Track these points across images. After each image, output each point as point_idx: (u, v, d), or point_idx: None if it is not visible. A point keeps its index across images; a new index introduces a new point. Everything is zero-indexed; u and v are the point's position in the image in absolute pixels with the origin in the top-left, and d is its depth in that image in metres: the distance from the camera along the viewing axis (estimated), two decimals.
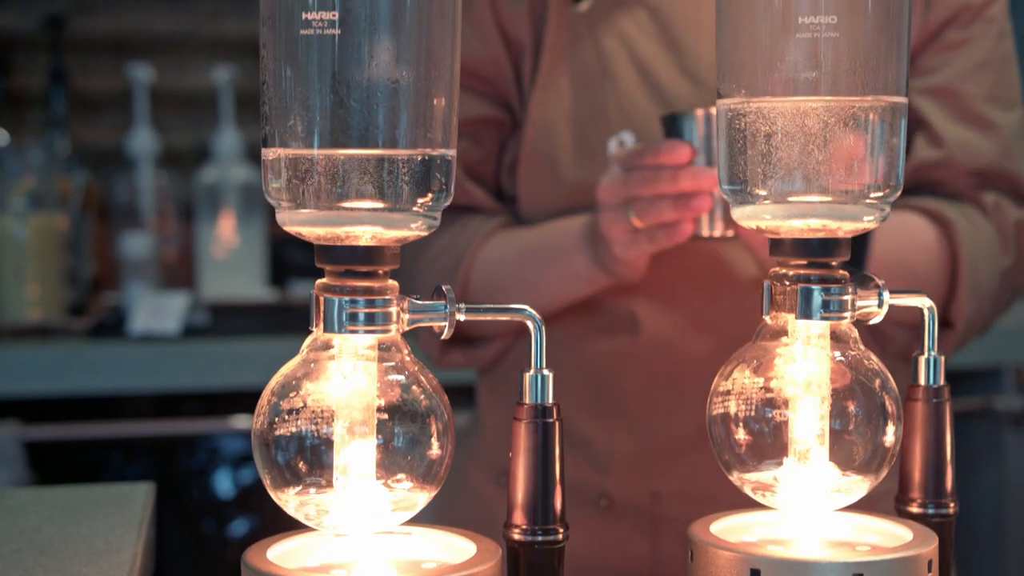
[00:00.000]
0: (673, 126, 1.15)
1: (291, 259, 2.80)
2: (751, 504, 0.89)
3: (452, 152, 0.81)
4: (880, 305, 0.86)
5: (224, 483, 2.48)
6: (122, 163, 2.76)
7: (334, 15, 0.77)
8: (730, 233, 1.15)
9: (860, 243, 1.13)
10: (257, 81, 0.81)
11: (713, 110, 1.09)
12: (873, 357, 0.87)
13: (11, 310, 2.35)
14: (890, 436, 0.86)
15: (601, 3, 1.31)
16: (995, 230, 1.27)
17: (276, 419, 0.82)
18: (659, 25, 1.30)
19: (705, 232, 1.15)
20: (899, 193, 0.84)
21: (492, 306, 0.85)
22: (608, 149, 1.27)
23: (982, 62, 1.29)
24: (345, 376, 0.81)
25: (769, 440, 0.87)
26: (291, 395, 0.82)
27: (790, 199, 0.82)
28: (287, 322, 2.49)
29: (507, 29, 1.34)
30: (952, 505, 0.90)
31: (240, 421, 2.34)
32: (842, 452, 0.86)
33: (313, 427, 0.82)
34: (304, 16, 0.77)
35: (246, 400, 2.32)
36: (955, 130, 1.27)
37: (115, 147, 2.80)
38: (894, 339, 1.26)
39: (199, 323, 2.42)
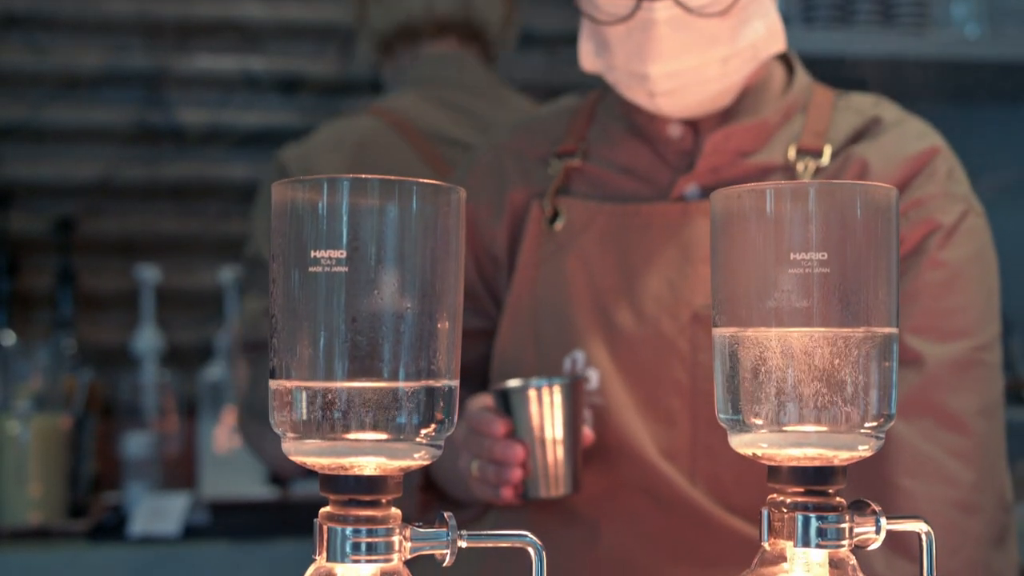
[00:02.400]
0: (502, 400, 1.25)
1: None
2: None
3: (455, 383, 0.83)
4: (877, 532, 0.86)
5: None
6: (126, 361, 2.78)
7: (342, 253, 0.79)
8: (560, 491, 1.24)
9: None
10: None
11: (546, 389, 1.23)
12: None
13: (12, 512, 2.34)
14: None
15: (571, 224, 1.36)
16: None
17: None
18: (619, 253, 1.33)
19: (532, 494, 1.24)
20: (893, 421, 0.85)
21: (493, 532, 0.86)
22: (563, 367, 1.31)
23: (911, 293, 1.25)
24: None
25: None
26: None
27: (786, 428, 0.84)
28: (288, 521, 2.48)
29: (487, 245, 1.39)
30: None
31: None
32: None
33: None
34: (313, 254, 0.80)
35: None
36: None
37: (120, 346, 2.83)
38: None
39: (199, 522, 2.42)
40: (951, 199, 1.29)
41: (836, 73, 1.72)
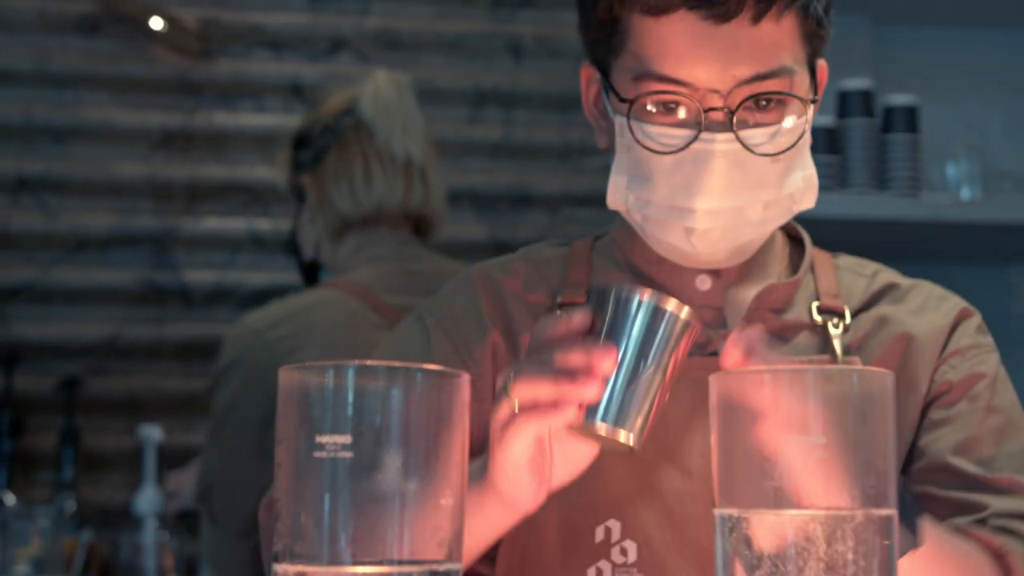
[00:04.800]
0: (596, 300, 1.01)
1: None
2: None
3: (458, 565, 0.83)
4: None
5: None
6: (127, 521, 2.77)
7: (347, 439, 0.81)
8: (626, 436, 0.98)
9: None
10: None
11: (645, 295, 0.99)
12: None
13: None
14: None
15: None
16: None
17: None
18: None
19: (599, 423, 0.97)
20: None
21: None
22: (594, 539, 1.24)
23: (972, 437, 1.28)
24: None
25: None
26: None
27: None
28: None
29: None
30: None
31: None
32: None
33: None
34: (318, 439, 0.81)
35: None
36: (964, 493, 1.26)
37: (121, 505, 2.82)
38: None
39: None
40: (989, 348, 1.35)
41: (833, 235, 1.75)
